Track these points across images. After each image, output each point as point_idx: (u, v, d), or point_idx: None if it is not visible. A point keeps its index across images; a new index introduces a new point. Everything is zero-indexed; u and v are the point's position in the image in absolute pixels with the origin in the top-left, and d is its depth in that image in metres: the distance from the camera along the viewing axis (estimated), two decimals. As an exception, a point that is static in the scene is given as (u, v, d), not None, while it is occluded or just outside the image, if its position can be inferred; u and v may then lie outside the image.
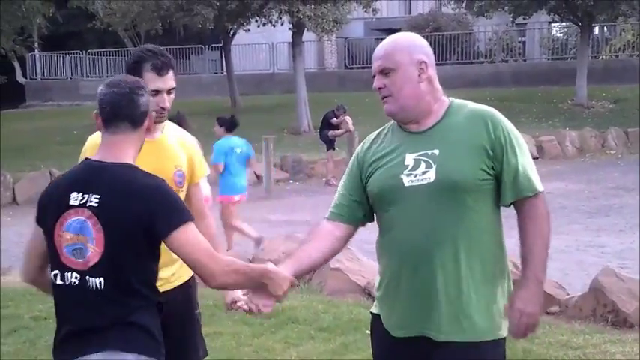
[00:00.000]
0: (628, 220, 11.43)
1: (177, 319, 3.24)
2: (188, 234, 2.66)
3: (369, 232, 10.86)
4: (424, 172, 2.69)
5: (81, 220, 2.64)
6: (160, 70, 3.24)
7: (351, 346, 5.52)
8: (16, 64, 34.06)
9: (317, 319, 6.16)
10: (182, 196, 3.24)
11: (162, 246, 2.70)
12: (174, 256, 2.76)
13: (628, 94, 25.07)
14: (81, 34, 36.92)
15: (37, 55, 35.93)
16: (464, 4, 27.21)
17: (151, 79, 3.19)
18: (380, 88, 2.79)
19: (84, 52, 36.19)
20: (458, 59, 31.05)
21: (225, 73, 29.61)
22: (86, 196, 2.65)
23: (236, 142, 9.49)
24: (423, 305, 2.72)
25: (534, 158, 20.84)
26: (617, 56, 30.96)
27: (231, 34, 26.85)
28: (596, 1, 23.39)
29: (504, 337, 2.76)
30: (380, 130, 2.96)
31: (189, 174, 3.43)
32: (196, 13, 22.29)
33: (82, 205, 2.64)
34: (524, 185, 2.67)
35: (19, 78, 35.21)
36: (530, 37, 34.38)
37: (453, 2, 28.28)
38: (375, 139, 2.94)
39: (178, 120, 4.66)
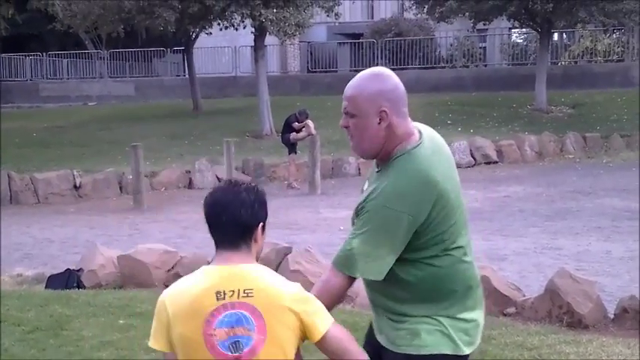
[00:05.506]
0: (585, 223, 11.60)
1: None
2: None
3: (329, 234, 10.90)
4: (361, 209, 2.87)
5: None
6: None
7: (310, 347, 5.53)
8: (-25, 66, 33.64)
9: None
10: None
11: None
12: None
13: (586, 99, 25.45)
14: (41, 36, 36.55)
15: (-3, 57, 35.49)
16: (425, 10, 27.39)
17: None
18: (346, 127, 2.88)
19: (44, 53, 35.83)
20: (419, 64, 31.20)
21: (187, 76, 29.52)
22: None
23: None
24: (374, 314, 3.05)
25: (494, 162, 20.91)
26: (575, 62, 31.39)
27: (194, 37, 26.78)
28: (555, 8, 23.73)
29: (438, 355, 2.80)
30: None
31: None
32: (158, 16, 22.18)
33: None
34: (336, 257, 2.86)
35: (-22, 80, 34.76)
36: (490, 42, 34.73)
37: (414, 7, 28.44)
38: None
39: None
